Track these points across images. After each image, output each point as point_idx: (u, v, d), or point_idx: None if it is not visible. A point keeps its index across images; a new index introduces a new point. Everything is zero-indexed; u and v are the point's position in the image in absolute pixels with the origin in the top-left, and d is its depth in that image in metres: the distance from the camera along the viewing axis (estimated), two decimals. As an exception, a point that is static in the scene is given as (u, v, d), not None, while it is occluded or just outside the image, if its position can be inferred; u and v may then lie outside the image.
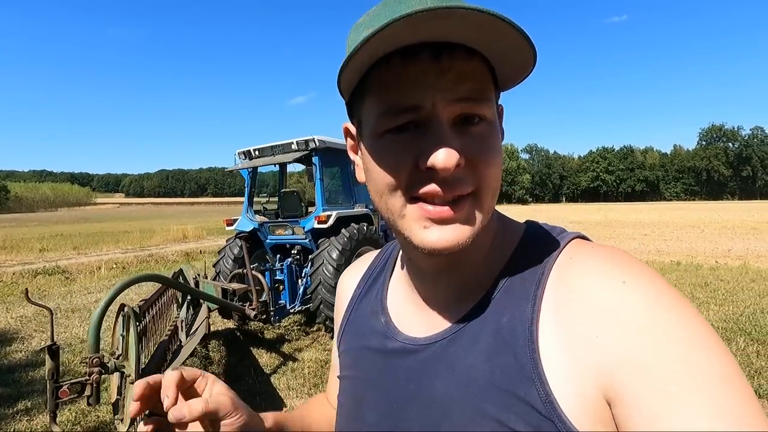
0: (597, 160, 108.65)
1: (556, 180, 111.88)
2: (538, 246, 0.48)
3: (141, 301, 2.91)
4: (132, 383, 2.08)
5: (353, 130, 0.52)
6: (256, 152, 5.70)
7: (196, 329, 3.23)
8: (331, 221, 5.02)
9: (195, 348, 3.93)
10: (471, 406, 0.44)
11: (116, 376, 2.10)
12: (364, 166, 0.49)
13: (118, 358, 2.12)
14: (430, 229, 0.43)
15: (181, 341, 3.05)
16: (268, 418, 0.58)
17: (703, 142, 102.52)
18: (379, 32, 0.36)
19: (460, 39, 0.40)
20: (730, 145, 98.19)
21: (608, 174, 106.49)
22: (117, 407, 2.06)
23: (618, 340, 0.37)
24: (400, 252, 0.60)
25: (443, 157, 0.40)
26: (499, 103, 0.49)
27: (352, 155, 0.54)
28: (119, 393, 2.07)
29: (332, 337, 4.23)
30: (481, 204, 0.44)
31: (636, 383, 0.35)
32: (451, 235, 0.43)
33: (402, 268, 0.59)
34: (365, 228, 5.27)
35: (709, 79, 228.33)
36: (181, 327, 3.09)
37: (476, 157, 0.42)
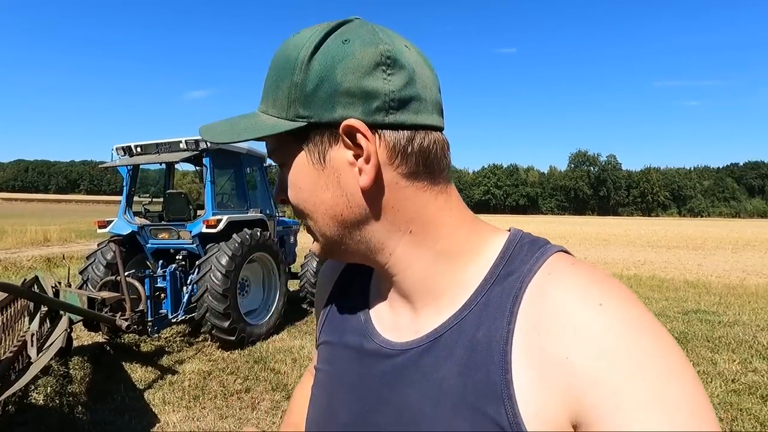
0: (488, 176, 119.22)
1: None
2: (518, 258, 0.47)
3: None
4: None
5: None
6: (138, 149, 5.25)
7: (51, 344, 2.88)
8: (221, 226, 4.83)
9: (50, 365, 3.48)
10: (441, 421, 0.44)
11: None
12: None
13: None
14: None
15: (30, 357, 2.69)
16: None
17: (572, 165, 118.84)
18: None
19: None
20: (592, 168, 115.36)
21: (497, 189, 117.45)
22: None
23: (589, 363, 0.37)
24: None
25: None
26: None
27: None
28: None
29: (219, 347, 4.08)
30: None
31: (604, 408, 0.35)
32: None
33: None
34: (259, 234, 5.16)
35: (580, 108, 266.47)
36: (32, 342, 2.72)
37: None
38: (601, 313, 0.39)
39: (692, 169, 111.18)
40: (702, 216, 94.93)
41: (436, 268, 0.49)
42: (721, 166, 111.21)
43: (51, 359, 2.66)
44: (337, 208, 0.48)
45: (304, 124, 0.45)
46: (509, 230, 0.52)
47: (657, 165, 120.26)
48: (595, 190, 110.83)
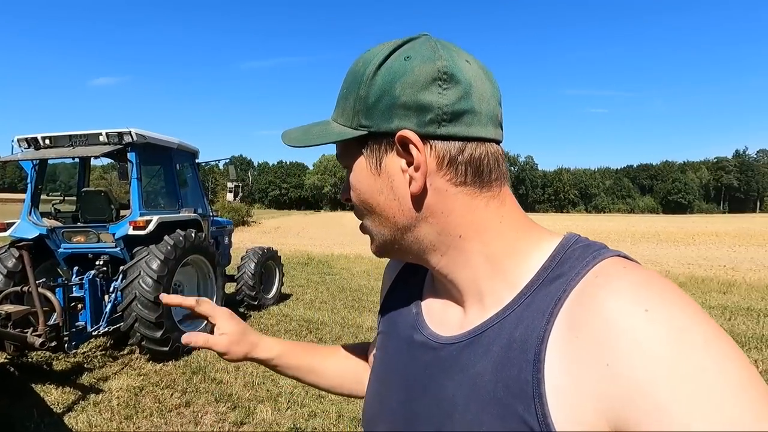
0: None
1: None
2: (570, 261, 0.46)
3: None
4: None
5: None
6: (47, 141, 4.63)
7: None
8: (151, 227, 4.43)
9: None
10: (471, 414, 0.45)
11: None
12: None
13: None
14: None
15: None
16: (274, 347, 0.78)
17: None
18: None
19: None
20: (512, 168, 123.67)
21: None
22: None
23: (631, 372, 0.35)
24: None
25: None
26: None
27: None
28: None
29: (149, 360, 3.75)
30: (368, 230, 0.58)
31: (645, 423, 0.34)
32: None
33: None
34: (193, 235, 4.81)
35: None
36: None
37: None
38: (646, 319, 0.36)
39: (597, 169, 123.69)
40: (604, 212, 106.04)
41: (485, 270, 0.51)
42: (619, 168, 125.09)
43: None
44: (390, 211, 0.52)
45: (365, 132, 0.50)
46: (564, 234, 0.52)
47: (568, 166, 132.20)
48: (515, 188, 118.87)
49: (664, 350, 0.35)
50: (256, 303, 6.41)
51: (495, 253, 0.51)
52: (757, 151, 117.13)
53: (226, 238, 6.73)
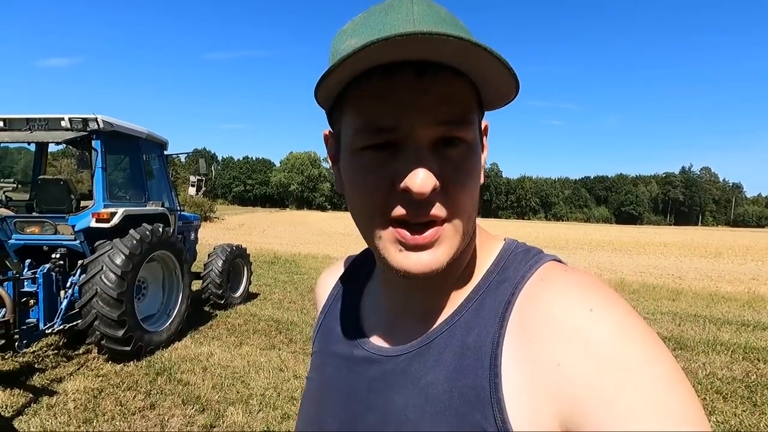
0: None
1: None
2: (512, 265, 0.47)
3: None
4: None
5: (332, 138, 0.50)
6: (1, 123, 4.30)
7: None
8: (116, 220, 4.21)
9: None
10: (425, 426, 0.43)
11: None
12: (343, 180, 0.48)
13: None
14: (405, 253, 0.43)
15: None
16: None
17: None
18: (357, 53, 0.36)
19: (445, 61, 0.39)
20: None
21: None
22: None
23: (581, 370, 0.36)
24: None
25: (419, 182, 0.39)
26: (484, 120, 0.49)
27: (331, 164, 0.52)
28: None
29: (108, 360, 3.56)
30: (456, 228, 0.43)
31: (596, 416, 0.35)
32: (427, 260, 0.42)
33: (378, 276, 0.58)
34: (161, 230, 4.60)
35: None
36: None
37: (453, 182, 0.42)
38: (591, 318, 0.38)
39: (557, 179, 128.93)
40: (563, 220, 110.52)
41: (456, 272, 0.49)
42: (577, 178, 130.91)
43: None
44: (476, 202, 0.46)
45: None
46: (504, 239, 0.53)
47: (530, 174, 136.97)
48: (480, 194, 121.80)
49: (609, 347, 0.36)
50: (222, 302, 6.22)
51: (466, 255, 0.49)
52: (701, 169, 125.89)
53: (192, 234, 6.49)
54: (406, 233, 0.42)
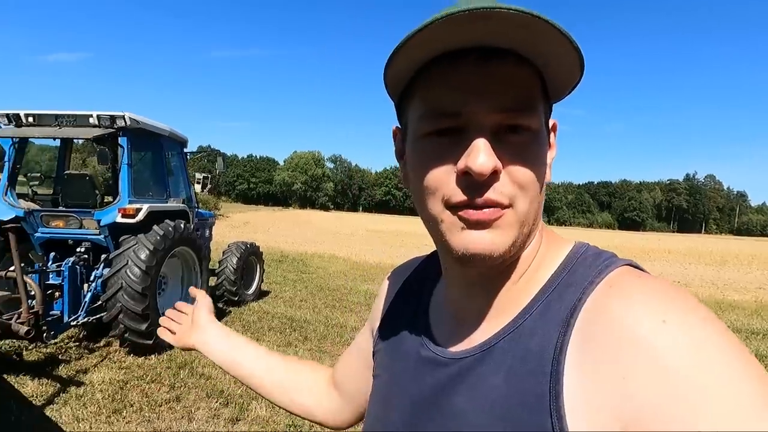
0: (390, 177, 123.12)
1: (355, 190, 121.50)
2: (581, 269, 0.45)
3: None
4: None
5: (400, 134, 0.52)
6: (30, 119, 4.39)
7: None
8: (141, 216, 4.29)
9: None
10: (484, 429, 0.43)
11: None
12: (408, 169, 0.49)
13: None
14: (466, 231, 0.42)
15: None
16: (222, 348, 0.83)
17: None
18: (420, 32, 0.37)
19: (509, 44, 0.39)
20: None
21: (397, 190, 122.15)
22: None
23: (648, 386, 0.34)
24: None
25: (480, 161, 0.39)
26: (553, 118, 0.49)
27: (397, 160, 0.53)
28: None
29: (130, 353, 3.62)
30: (518, 216, 0.43)
31: None
32: (487, 240, 0.42)
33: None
34: (182, 226, 4.69)
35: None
36: None
37: (515, 169, 0.41)
38: (663, 330, 0.35)
39: (560, 184, 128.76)
40: (566, 225, 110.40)
41: (521, 271, 0.49)
42: (581, 183, 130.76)
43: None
44: (540, 190, 0.45)
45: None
46: (574, 242, 0.52)
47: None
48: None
49: (681, 363, 0.33)
50: (236, 299, 6.30)
51: (531, 254, 0.49)
52: (705, 176, 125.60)
53: (207, 231, 6.58)
54: (468, 210, 0.42)
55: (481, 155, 0.39)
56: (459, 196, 0.42)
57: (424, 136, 0.43)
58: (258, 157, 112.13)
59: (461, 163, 0.40)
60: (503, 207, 0.42)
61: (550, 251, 0.50)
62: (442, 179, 0.42)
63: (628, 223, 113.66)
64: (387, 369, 0.59)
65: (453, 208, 0.42)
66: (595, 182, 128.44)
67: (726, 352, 0.34)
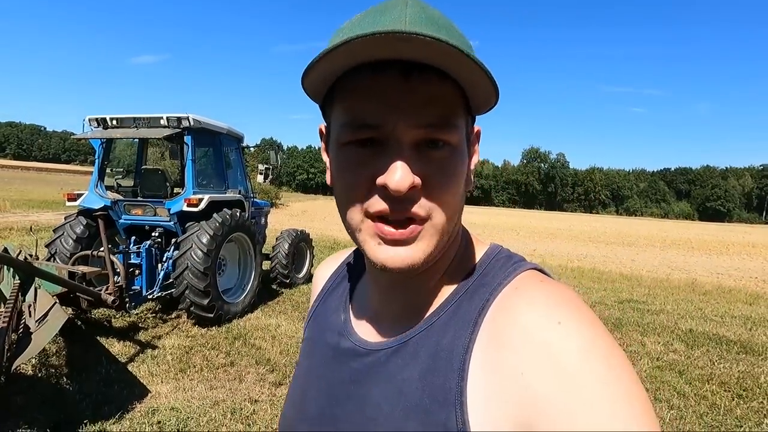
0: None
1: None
2: (492, 272, 0.49)
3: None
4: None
5: (326, 133, 0.52)
6: (114, 122, 5.13)
7: (44, 317, 2.90)
8: (202, 205, 4.88)
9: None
10: (396, 420, 0.45)
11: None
12: (331, 171, 0.49)
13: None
14: (383, 247, 0.44)
15: (30, 328, 2.72)
16: None
17: (524, 161, 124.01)
18: (340, 47, 0.37)
19: (431, 62, 0.40)
20: (542, 165, 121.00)
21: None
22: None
23: (544, 381, 0.37)
24: None
25: (396, 179, 0.40)
26: (477, 125, 0.50)
27: (324, 156, 0.53)
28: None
29: (195, 324, 4.20)
30: (436, 228, 0.44)
31: (555, 428, 0.35)
32: (403, 255, 0.43)
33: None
34: (238, 214, 5.25)
35: (535, 106, 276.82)
36: (29, 313, 2.75)
37: (434, 182, 0.42)
38: (558, 332, 0.38)
39: (630, 171, 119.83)
40: (636, 215, 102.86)
41: (438, 272, 0.51)
42: (655, 170, 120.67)
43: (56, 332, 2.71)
44: (460, 202, 0.47)
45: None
46: (489, 244, 0.54)
47: (600, 165, 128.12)
48: (544, 185, 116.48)
49: (572, 362, 0.37)
50: (288, 281, 6.86)
51: (449, 256, 0.51)
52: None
53: (263, 219, 7.18)
54: (384, 227, 0.43)
55: (398, 172, 0.40)
56: (378, 205, 0.43)
57: (346, 144, 0.44)
58: (317, 148, 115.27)
59: (380, 180, 0.41)
60: (421, 220, 0.43)
61: (467, 253, 0.53)
62: (362, 189, 0.43)
63: (710, 213, 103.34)
64: (308, 357, 0.62)
65: (372, 218, 0.44)
66: (672, 169, 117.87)
67: (607, 353, 0.38)
